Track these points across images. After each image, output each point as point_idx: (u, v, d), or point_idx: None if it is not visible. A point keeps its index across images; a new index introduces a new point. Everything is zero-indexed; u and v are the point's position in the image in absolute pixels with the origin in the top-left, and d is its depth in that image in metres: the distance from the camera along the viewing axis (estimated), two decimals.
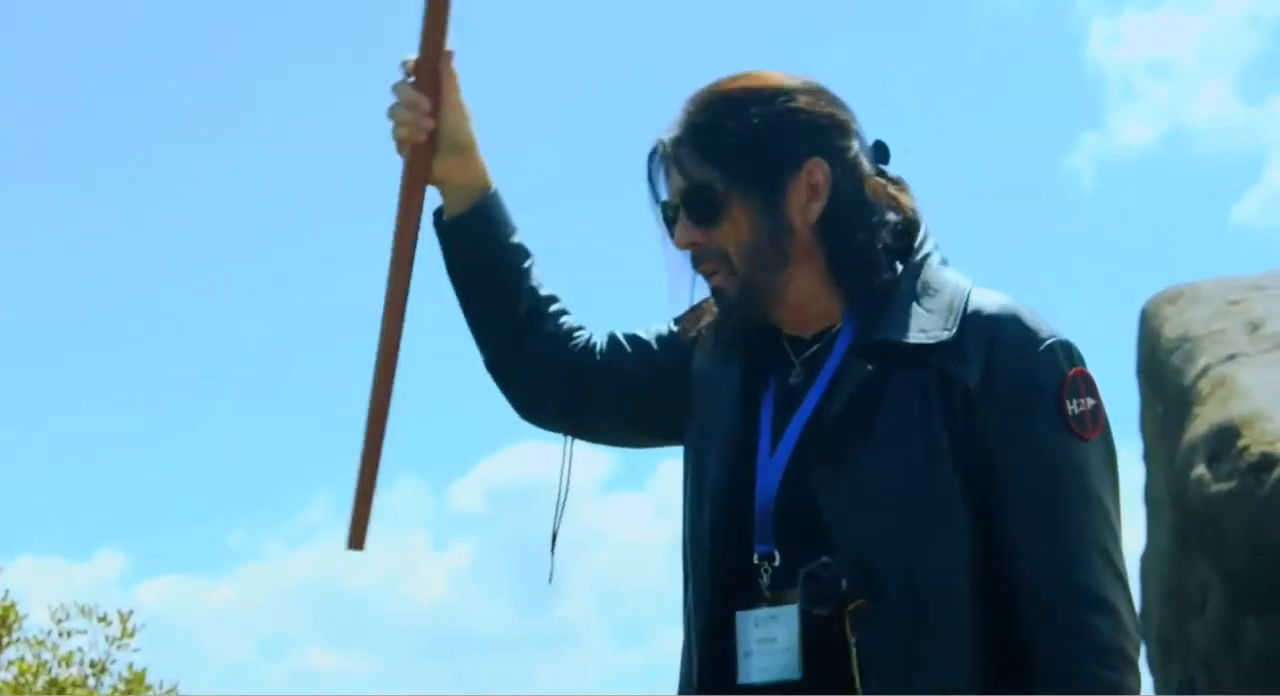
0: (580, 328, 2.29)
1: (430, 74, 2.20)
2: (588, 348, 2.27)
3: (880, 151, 2.14)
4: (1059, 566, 1.94)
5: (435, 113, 2.19)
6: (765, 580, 2.01)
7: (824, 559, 1.96)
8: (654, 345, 2.25)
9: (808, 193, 2.06)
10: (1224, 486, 6.84)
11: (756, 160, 2.05)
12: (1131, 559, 8.35)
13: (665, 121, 2.13)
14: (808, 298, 2.09)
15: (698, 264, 2.11)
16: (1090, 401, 2.00)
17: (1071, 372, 2.00)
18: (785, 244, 2.06)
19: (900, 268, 2.08)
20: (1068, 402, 1.98)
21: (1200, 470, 7.00)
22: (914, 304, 2.03)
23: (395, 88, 2.20)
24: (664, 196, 2.13)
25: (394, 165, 2.22)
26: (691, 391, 2.18)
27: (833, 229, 2.06)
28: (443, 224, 2.25)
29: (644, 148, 2.16)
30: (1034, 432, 1.98)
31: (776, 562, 2.01)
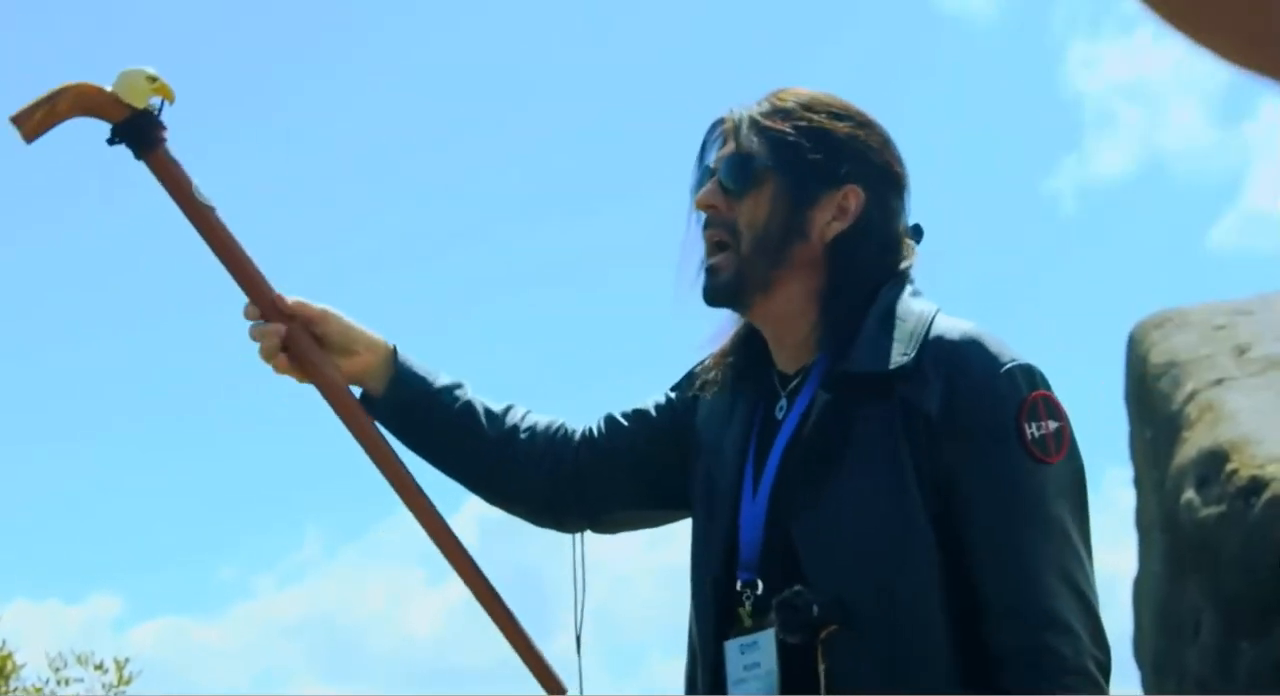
0: (554, 425, 2.33)
1: (280, 298, 2.24)
2: (571, 439, 2.31)
3: (917, 232, 2.19)
4: (1019, 591, 1.95)
5: (314, 326, 2.23)
6: (747, 608, 2.05)
7: (796, 587, 1.98)
8: (652, 413, 2.29)
9: (835, 211, 2.10)
10: (1214, 510, 6.84)
11: (808, 157, 2.09)
12: (1124, 584, 8.37)
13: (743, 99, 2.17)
14: (790, 312, 2.12)
15: (707, 227, 2.15)
16: (1053, 424, 2.00)
17: (1032, 396, 2.01)
18: (793, 243, 2.10)
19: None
20: (1027, 427, 1.99)
21: (1190, 494, 7.00)
22: (880, 332, 2.05)
23: (253, 332, 2.23)
24: (708, 161, 2.18)
25: None
26: (697, 440, 2.21)
27: (841, 253, 2.10)
28: (373, 410, 2.28)
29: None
30: (993, 459, 1.99)
31: (759, 590, 2.04)
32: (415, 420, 2.27)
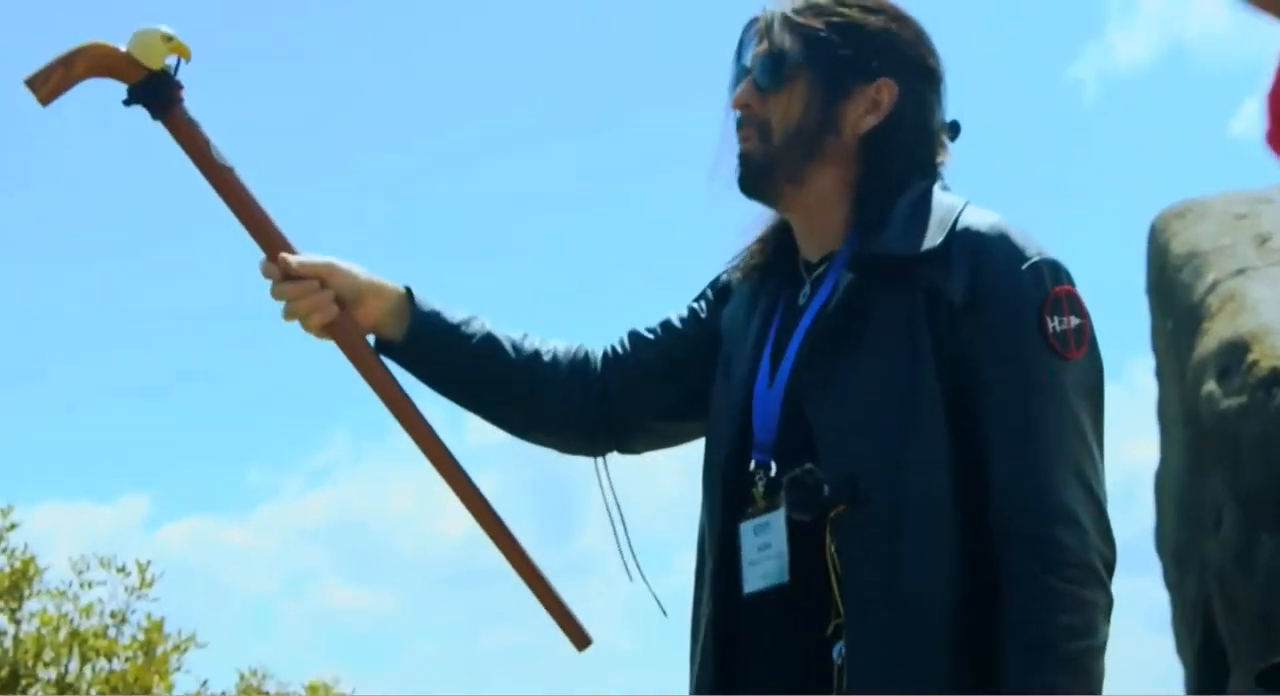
0: (575, 348, 2.31)
1: (285, 257, 2.20)
2: (595, 360, 2.30)
3: (954, 128, 2.19)
4: (1030, 480, 1.95)
5: (323, 282, 2.20)
6: (759, 488, 2.06)
7: (807, 465, 1.98)
8: (677, 324, 2.29)
9: (868, 105, 2.11)
10: (1235, 401, 6.80)
11: (839, 52, 2.10)
12: (1145, 477, 8.36)
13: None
14: (822, 202, 2.12)
15: (740, 126, 2.15)
16: (1074, 320, 2.00)
17: (1055, 290, 2.00)
18: (825, 137, 2.11)
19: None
20: (1049, 320, 1.98)
21: (1211, 386, 6.97)
22: (908, 220, 2.06)
23: (275, 291, 2.20)
24: (744, 61, 2.18)
25: None
26: (721, 333, 2.22)
27: (874, 147, 2.11)
28: (393, 354, 2.26)
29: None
30: (1014, 348, 1.98)
31: (772, 472, 2.05)
32: (435, 360, 2.25)
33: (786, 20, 2.12)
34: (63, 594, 9.82)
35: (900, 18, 2.15)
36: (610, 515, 2.28)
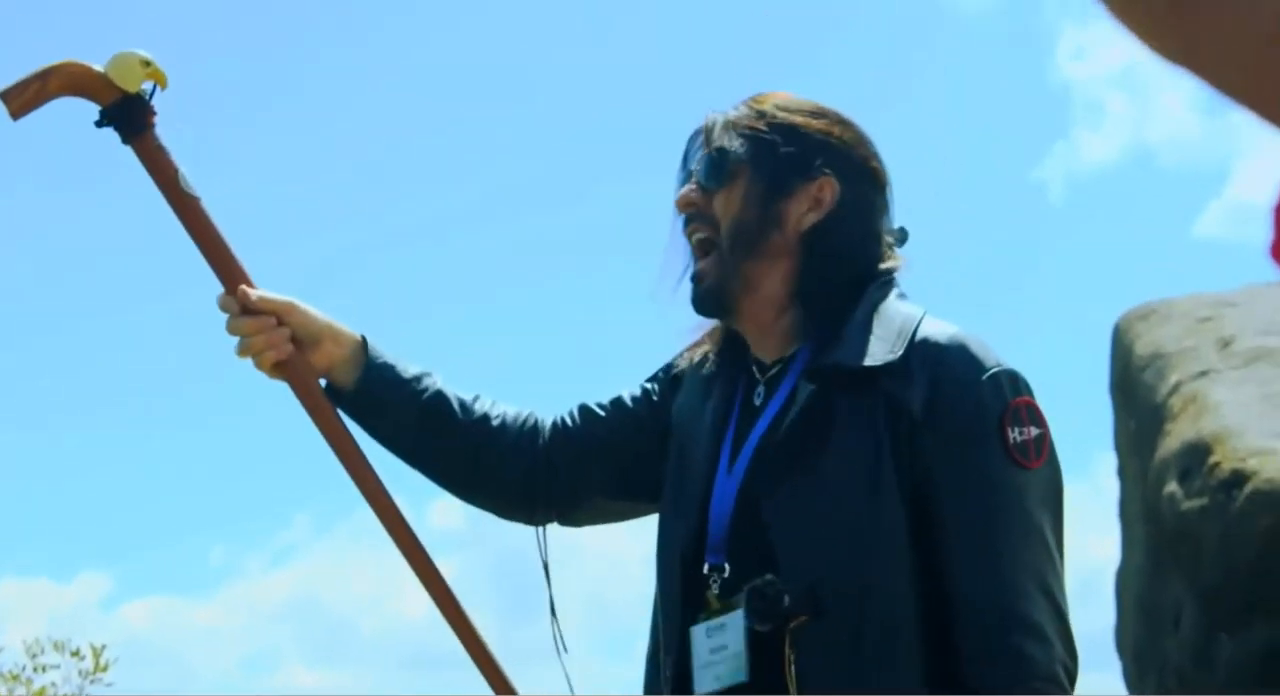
0: (525, 415, 2.31)
1: (245, 291, 2.20)
2: (543, 429, 2.31)
3: (902, 235, 2.21)
4: (994, 593, 1.96)
5: (280, 320, 2.20)
6: (714, 590, 2.06)
7: (768, 576, 1.98)
8: (628, 402, 2.30)
9: (810, 202, 2.14)
10: (1196, 502, 6.86)
11: (780, 151, 2.14)
12: (1107, 574, 8.41)
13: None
14: (771, 305, 2.14)
15: (687, 224, 2.19)
16: (1034, 430, 2.02)
17: (1015, 401, 2.02)
18: (769, 232, 2.13)
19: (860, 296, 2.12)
20: (1010, 431, 2.00)
21: (1173, 487, 7.02)
22: (866, 329, 2.07)
23: (231, 325, 2.19)
24: (690, 167, 2.21)
25: None
26: (671, 427, 2.22)
27: (817, 243, 2.13)
28: (341, 403, 2.25)
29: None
30: (974, 459, 2.00)
31: (726, 574, 2.06)
32: (383, 412, 2.25)
33: (729, 123, 2.17)
34: (15, 677, 9.70)
35: (842, 121, 2.18)
36: (547, 586, 2.28)
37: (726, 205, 2.14)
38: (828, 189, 2.13)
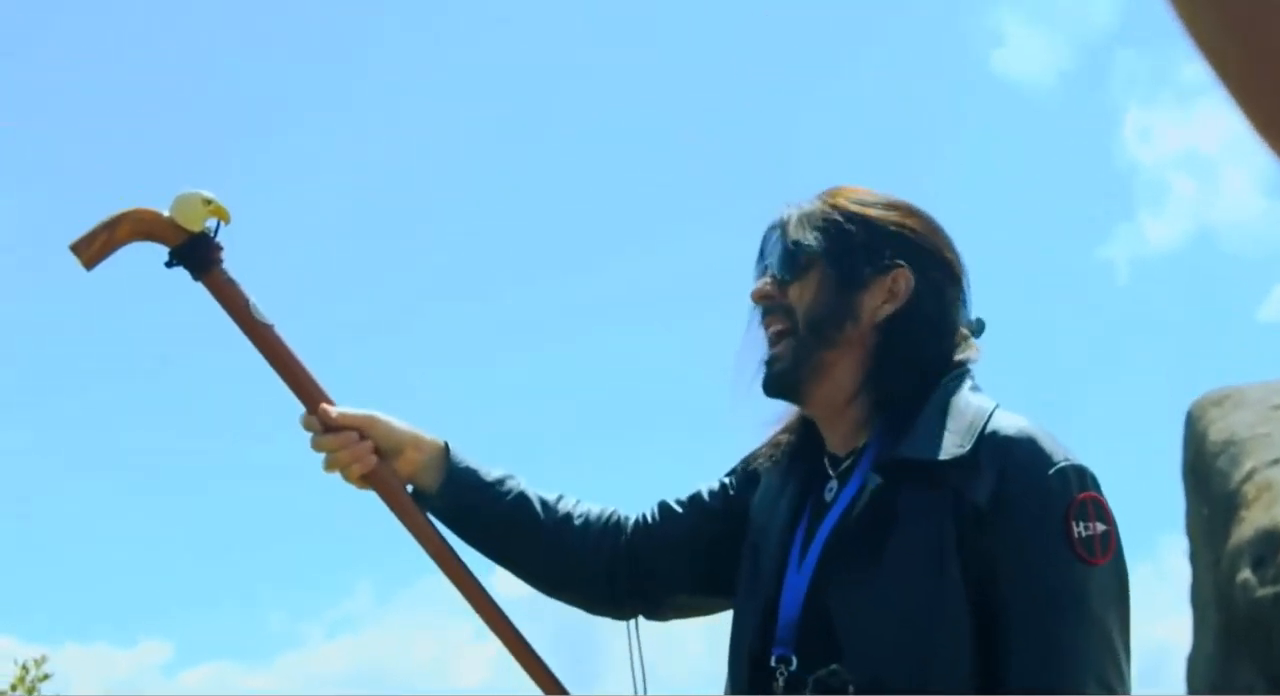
0: (607, 513, 2.38)
1: (325, 409, 2.28)
2: (625, 527, 2.36)
3: (978, 326, 2.24)
4: (1054, 690, 1.97)
5: (362, 434, 2.28)
6: (780, 682, 2.09)
7: (833, 666, 2.02)
8: (706, 498, 2.35)
9: (885, 294, 2.16)
10: (1269, 590, 6.84)
11: (855, 243, 2.17)
12: (1173, 656, 8.34)
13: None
14: (843, 394, 2.17)
15: (764, 316, 2.22)
16: (1100, 526, 2.03)
17: (1081, 496, 2.04)
18: (844, 323, 2.16)
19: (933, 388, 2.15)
20: (1075, 526, 2.02)
21: (1246, 574, 7.00)
22: (936, 423, 2.10)
23: (316, 443, 2.28)
24: (765, 260, 2.26)
25: None
26: (748, 522, 2.26)
27: (892, 334, 2.15)
28: (429, 507, 2.33)
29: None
30: (1038, 554, 2.01)
31: (793, 667, 2.08)
32: (468, 515, 2.32)
33: (803, 216, 2.20)
34: None
35: (916, 213, 2.21)
36: (634, 678, 2.33)
37: (801, 296, 2.18)
38: (902, 280, 2.15)
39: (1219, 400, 8.08)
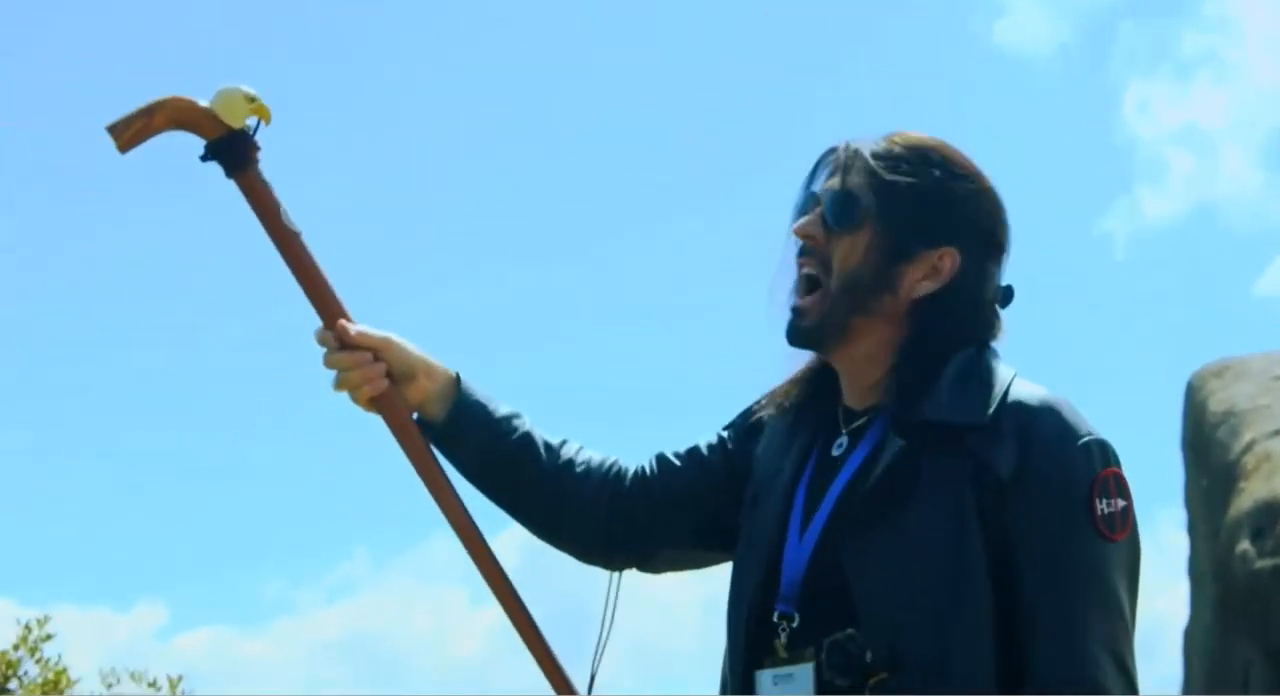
0: (609, 462, 2.33)
1: (344, 325, 2.22)
2: (625, 477, 2.32)
3: (1007, 293, 2.19)
4: (1070, 660, 1.97)
5: (377, 356, 2.22)
6: (782, 639, 2.06)
7: (849, 630, 1.99)
8: (704, 452, 2.30)
9: (928, 270, 2.10)
10: (1268, 562, 6.83)
11: (911, 213, 2.10)
12: (1172, 628, 8.35)
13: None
14: (867, 358, 2.13)
15: (801, 254, 2.15)
16: (1121, 502, 2.01)
17: (1104, 473, 2.02)
18: (881, 294, 2.10)
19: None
20: (1098, 502, 2.00)
21: (1245, 545, 6.99)
22: (957, 387, 2.06)
23: (329, 360, 2.22)
24: (814, 188, 2.18)
25: None
26: (751, 474, 2.22)
27: (926, 313, 2.11)
28: (431, 436, 2.27)
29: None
30: (1060, 529, 1.99)
31: (795, 623, 2.06)
32: (470, 449, 2.27)
33: (869, 163, 2.12)
34: None
35: (982, 189, 2.15)
36: (602, 627, 2.29)
37: (846, 253, 2.11)
38: (948, 260, 2.09)
39: (1219, 371, 8.06)
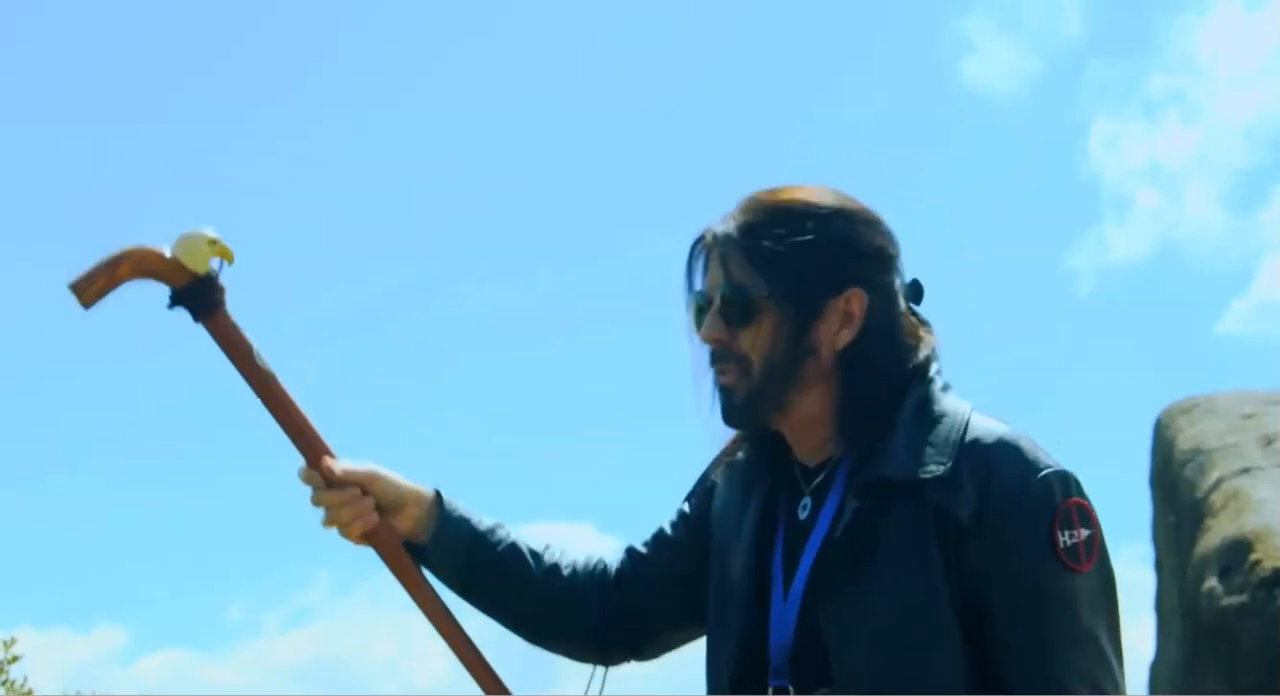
0: (593, 561, 2.34)
1: (328, 464, 2.22)
2: (609, 572, 2.33)
3: (915, 290, 2.17)
4: None
5: (364, 490, 2.23)
6: None
7: (824, 690, 2.01)
8: (670, 532, 2.31)
9: (842, 319, 2.09)
10: (1235, 600, 6.83)
11: (799, 277, 2.07)
12: (1141, 667, 8.35)
13: (715, 215, 2.15)
14: (812, 421, 2.12)
15: (715, 360, 2.13)
16: (1085, 532, 2.01)
17: (1065, 503, 2.01)
18: (805, 364, 2.09)
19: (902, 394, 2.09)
20: (1060, 535, 1.99)
21: (1212, 583, 7.00)
22: (913, 436, 2.05)
23: (316, 498, 2.23)
24: (699, 286, 2.16)
25: None
26: (712, 533, 2.22)
27: (855, 360, 2.09)
28: (420, 557, 2.29)
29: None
30: (1024, 564, 1.99)
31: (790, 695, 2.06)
32: (459, 565, 2.29)
33: (741, 248, 2.09)
34: None
35: (851, 214, 2.11)
36: None
37: (756, 343, 2.08)
38: (855, 301, 2.08)
39: (1188, 408, 8.09)
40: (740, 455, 2.21)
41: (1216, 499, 7.29)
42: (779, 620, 2.08)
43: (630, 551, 2.33)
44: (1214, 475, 7.44)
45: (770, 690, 2.07)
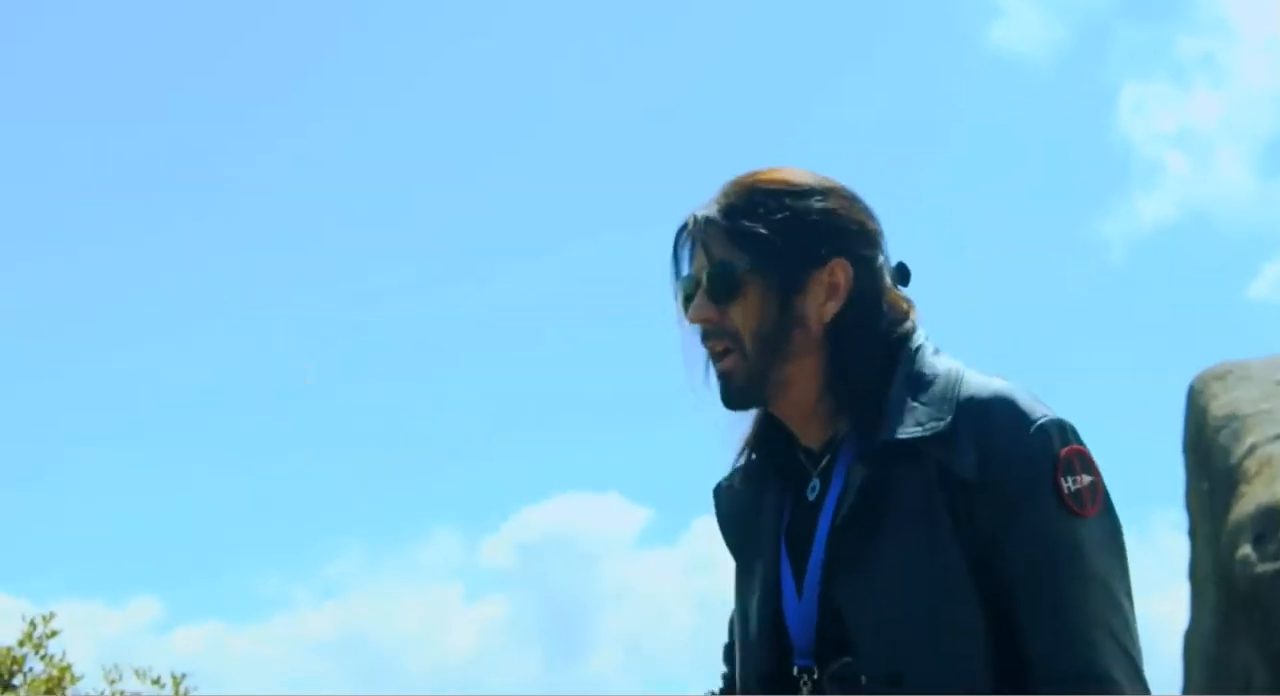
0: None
1: None
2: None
3: (902, 272, 2.20)
4: (1063, 647, 1.97)
5: None
6: (805, 691, 2.08)
7: (845, 658, 2.02)
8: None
9: (827, 291, 2.12)
10: (1270, 567, 6.80)
11: (782, 250, 2.11)
12: (1172, 632, 8.32)
13: (698, 201, 2.19)
14: (807, 396, 2.14)
15: (706, 338, 2.16)
16: (1087, 478, 2.02)
17: (1065, 451, 2.02)
18: (793, 335, 2.11)
19: (894, 362, 2.12)
20: (1063, 481, 2.00)
21: (1246, 550, 6.96)
22: (908, 399, 2.07)
23: None
24: (685, 271, 2.20)
25: None
26: (726, 535, 2.25)
27: (843, 331, 2.12)
28: None
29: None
30: (1031, 515, 2.00)
31: (815, 675, 2.08)
32: None
33: (722, 227, 2.14)
34: None
35: (829, 191, 2.15)
36: None
37: (744, 317, 2.12)
38: (840, 273, 2.11)
39: (1221, 374, 8.04)
40: (751, 461, 2.23)
41: (1250, 465, 7.25)
42: (793, 604, 2.11)
43: (726, 677, 2.36)
44: (1248, 441, 7.39)
45: (796, 669, 2.09)
